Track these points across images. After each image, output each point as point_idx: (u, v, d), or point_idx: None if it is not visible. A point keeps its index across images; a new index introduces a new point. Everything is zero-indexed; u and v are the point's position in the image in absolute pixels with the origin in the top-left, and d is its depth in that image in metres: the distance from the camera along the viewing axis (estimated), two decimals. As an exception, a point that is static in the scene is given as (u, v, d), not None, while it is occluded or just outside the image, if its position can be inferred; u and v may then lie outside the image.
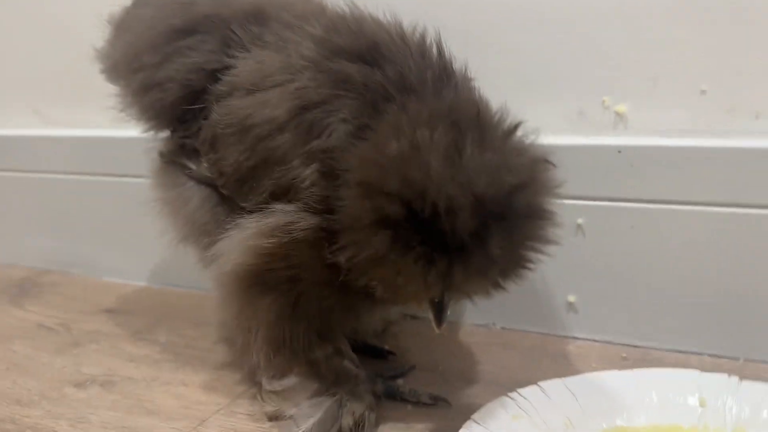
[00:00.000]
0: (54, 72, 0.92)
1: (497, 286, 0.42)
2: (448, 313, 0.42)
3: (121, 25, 0.61)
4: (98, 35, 0.86)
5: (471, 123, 0.40)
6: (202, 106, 0.53)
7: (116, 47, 0.60)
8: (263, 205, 0.47)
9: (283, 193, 0.46)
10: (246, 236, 0.47)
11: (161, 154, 0.60)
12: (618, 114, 0.61)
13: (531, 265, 0.41)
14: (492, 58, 0.64)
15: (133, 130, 0.88)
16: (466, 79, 0.50)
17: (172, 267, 0.85)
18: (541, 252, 0.41)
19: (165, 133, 0.60)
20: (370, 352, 0.62)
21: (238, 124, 0.49)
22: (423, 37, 0.49)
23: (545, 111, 0.63)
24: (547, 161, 0.43)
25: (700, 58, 0.57)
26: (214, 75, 0.52)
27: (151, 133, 0.61)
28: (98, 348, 0.68)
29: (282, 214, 0.46)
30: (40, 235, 0.95)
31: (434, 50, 0.48)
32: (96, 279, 0.89)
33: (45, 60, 0.93)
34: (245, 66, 0.51)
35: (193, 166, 0.55)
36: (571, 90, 0.62)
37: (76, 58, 0.88)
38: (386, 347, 0.62)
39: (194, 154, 0.55)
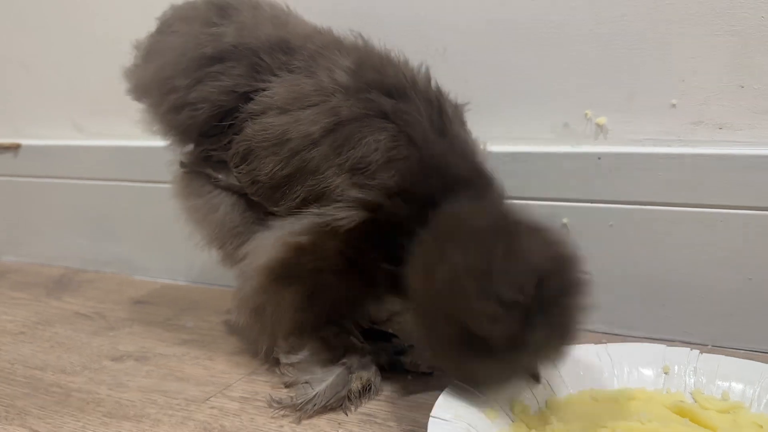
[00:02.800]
0: (91, 88, 1.00)
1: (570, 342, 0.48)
2: None
3: (150, 51, 0.67)
4: (130, 55, 0.95)
5: (518, 225, 0.48)
6: (231, 123, 0.59)
7: (147, 71, 0.66)
8: (295, 210, 0.54)
9: (315, 199, 0.53)
10: (282, 234, 0.54)
11: (182, 164, 0.66)
12: (598, 125, 0.68)
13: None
14: (488, 77, 0.72)
15: (160, 141, 0.97)
16: (458, 113, 0.58)
17: (195, 266, 0.93)
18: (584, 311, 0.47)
19: (188, 147, 0.66)
20: (375, 335, 0.69)
21: (273, 138, 0.55)
22: (427, 78, 0.57)
23: (535, 124, 0.71)
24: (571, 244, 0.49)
25: (671, 77, 0.65)
26: (244, 96, 0.59)
27: (174, 145, 0.67)
28: (131, 331, 0.75)
29: (315, 216, 0.52)
30: (76, 236, 1.03)
31: (434, 93, 0.56)
32: (127, 276, 0.97)
33: (83, 77, 1.01)
34: (278, 88, 0.57)
35: (220, 176, 0.61)
36: (557, 105, 0.70)
37: (111, 76, 0.97)
38: (390, 330, 0.69)
39: (220, 165, 0.61)
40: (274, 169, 0.55)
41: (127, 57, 0.96)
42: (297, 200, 0.54)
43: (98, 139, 1.01)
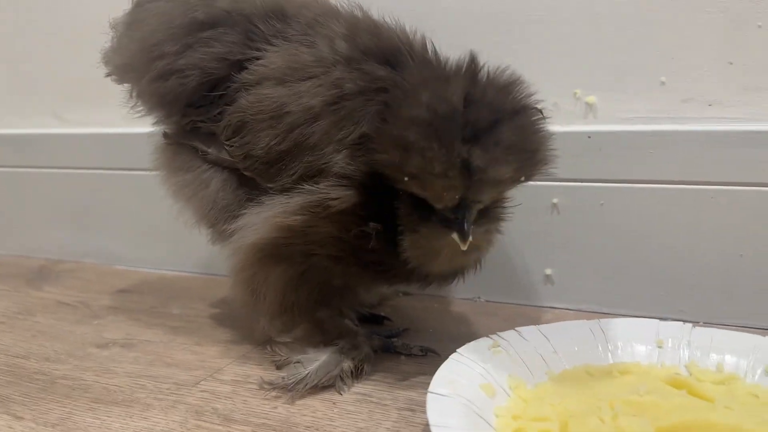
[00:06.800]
0: (70, 76, 0.98)
1: (521, 171, 0.47)
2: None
3: (132, 23, 0.63)
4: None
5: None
6: (222, 93, 0.57)
7: (130, 43, 0.63)
8: (290, 186, 0.52)
9: (312, 176, 0.51)
10: (272, 213, 0.52)
11: (166, 135, 0.63)
12: (588, 104, 0.68)
13: (546, 153, 0.48)
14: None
15: (141, 128, 0.95)
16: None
17: (179, 253, 0.91)
18: (549, 139, 0.48)
19: (173, 119, 0.63)
20: (368, 319, 0.68)
21: (270, 111, 0.53)
22: (423, 43, 0.55)
23: (524, 104, 0.70)
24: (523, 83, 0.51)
25: (660, 55, 0.65)
26: (237, 65, 0.56)
27: (159, 120, 0.64)
28: (116, 319, 0.73)
29: (309, 193, 0.50)
30: (55, 227, 1.01)
31: (432, 56, 0.54)
32: (108, 266, 0.95)
33: (62, 66, 0.99)
34: (275, 58, 0.55)
35: (209, 149, 0.59)
36: (546, 85, 0.69)
37: (90, 64, 0.96)
38: (382, 314, 0.69)
39: (209, 137, 0.59)
40: (271, 144, 0.52)
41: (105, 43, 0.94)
42: (294, 177, 0.52)
43: (77, 127, 0.99)
